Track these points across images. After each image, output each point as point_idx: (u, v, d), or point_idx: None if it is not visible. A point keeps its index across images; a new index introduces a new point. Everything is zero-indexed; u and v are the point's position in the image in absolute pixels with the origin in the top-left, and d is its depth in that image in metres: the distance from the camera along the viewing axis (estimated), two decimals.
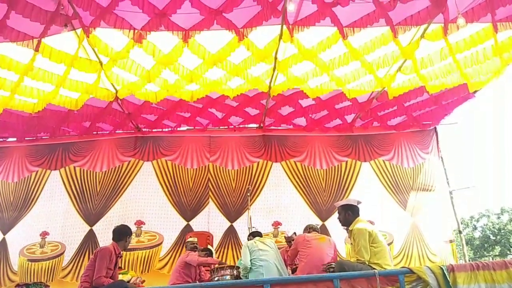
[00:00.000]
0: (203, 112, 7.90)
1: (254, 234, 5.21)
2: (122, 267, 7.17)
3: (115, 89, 6.85)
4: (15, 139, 8.50)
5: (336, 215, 4.95)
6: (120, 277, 5.27)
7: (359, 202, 4.43)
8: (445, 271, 3.64)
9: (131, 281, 5.32)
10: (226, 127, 8.73)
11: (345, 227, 4.43)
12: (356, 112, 8.16)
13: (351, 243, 4.23)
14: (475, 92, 7.19)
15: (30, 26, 5.05)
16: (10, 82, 6.04)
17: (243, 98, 7.35)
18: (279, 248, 6.63)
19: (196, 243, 5.88)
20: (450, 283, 3.58)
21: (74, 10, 5.02)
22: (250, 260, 4.57)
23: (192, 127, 8.66)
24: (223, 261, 7.59)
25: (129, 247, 7.38)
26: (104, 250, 4.36)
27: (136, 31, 5.39)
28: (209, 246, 6.58)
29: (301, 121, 8.57)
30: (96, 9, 4.99)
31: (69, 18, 5.11)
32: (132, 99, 7.25)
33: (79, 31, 5.41)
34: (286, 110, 8.16)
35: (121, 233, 4.59)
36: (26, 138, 8.45)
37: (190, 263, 5.38)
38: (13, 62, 5.64)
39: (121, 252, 4.58)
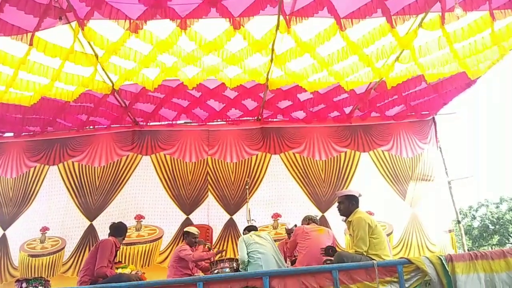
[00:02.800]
0: (200, 102, 7.83)
1: (250, 229, 5.22)
2: (122, 261, 7.20)
3: (111, 81, 6.80)
4: (12, 134, 8.46)
5: (335, 206, 4.95)
6: (120, 271, 5.30)
7: (360, 195, 4.44)
8: (443, 261, 3.65)
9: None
10: (224, 121, 8.68)
11: (344, 218, 4.44)
12: (355, 103, 8.12)
13: (350, 234, 4.24)
14: (475, 79, 7.12)
15: (23, 19, 4.99)
16: (6, 76, 5.98)
17: (241, 89, 7.30)
18: (278, 240, 6.68)
19: (197, 236, 5.66)
20: (449, 273, 3.59)
21: (68, 3, 4.96)
22: (248, 253, 4.58)
23: (190, 120, 8.62)
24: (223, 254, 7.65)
25: (129, 242, 7.55)
26: (106, 242, 4.42)
27: (132, 21, 5.33)
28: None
29: (299, 114, 8.54)
30: (91, 0, 4.93)
31: (63, 11, 5.05)
32: (129, 87, 7.17)
33: (74, 24, 5.35)
34: (284, 104, 8.11)
35: (121, 230, 4.70)
36: (23, 134, 8.40)
37: (185, 258, 5.28)
38: (7, 56, 5.58)
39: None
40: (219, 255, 5.91)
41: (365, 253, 3.89)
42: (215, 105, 8.09)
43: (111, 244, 4.42)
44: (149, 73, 6.70)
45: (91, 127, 8.52)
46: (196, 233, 5.63)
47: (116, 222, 4.90)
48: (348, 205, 4.34)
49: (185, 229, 5.79)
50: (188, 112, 8.23)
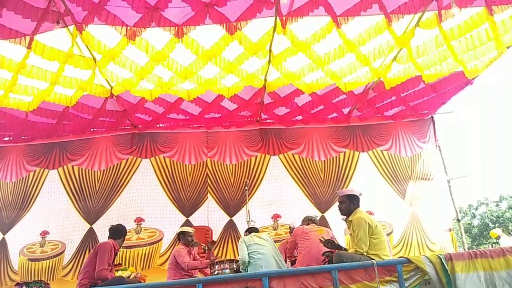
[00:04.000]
0: (199, 117, 7.92)
1: (251, 230, 5.22)
2: (122, 264, 7.20)
3: (110, 85, 6.81)
4: (11, 138, 8.45)
5: (335, 206, 4.96)
6: (120, 273, 5.30)
7: (360, 194, 4.46)
8: (443, 260, 3.65)
9: (130, 277, 5.34)
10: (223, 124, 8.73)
11: (345, 217, 4.45)
12: (353, 104, 8.12)
13: (351, 234, 4.24)
14: (473, 78, 7.13)
15: (21, 23, 5.00)
16: (4, 80, 5.98)
17: (239, 100, 7.33)
18: (278, 241, 6.68)
19: (193, 235, 5.54)
20: (449, 272, 3.59)
21: (66, 7, 4.97)
22: (248, 254, 4.59)
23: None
24: (223, 255, 7.64)
25: (129, 244, 7.54)
26: (105, 245, 4.44)
27: (128, 27, 5.34)
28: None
29: (298, 117, 8.56)
30: (88, 5, 4.94)
31: (61, 15, 5.07)
32: (128, 96, 7.20)
33: (72, 28, 5.36)
34: (282, 110, 8.15)
35: (120, 232, 4.70)
36: (22, 137, 8.39)
37: (181, 264, 5.19)
38: (5, 60, 5.58)
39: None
40: (217, 257, 5.87)
41: (365, 253, 3.89)
42: (215, 115, 8.17)
43: (110, 247, 4.43)
44: (147, 85, 6.74)
45: (91, 130, 8.51)
46: (192, 231, 5.57)
47: (114, 224, 4.90)
48: (349, 204, 4.35)
49: (179, 230, 5.72)
50: (187, 121, 8.32)
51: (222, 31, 5.54)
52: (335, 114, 8.53)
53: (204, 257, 5.71)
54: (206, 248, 5.74)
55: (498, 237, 8.64)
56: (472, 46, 5.92)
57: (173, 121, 8.11)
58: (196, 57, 5.95)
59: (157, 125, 8.47)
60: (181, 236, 5.55)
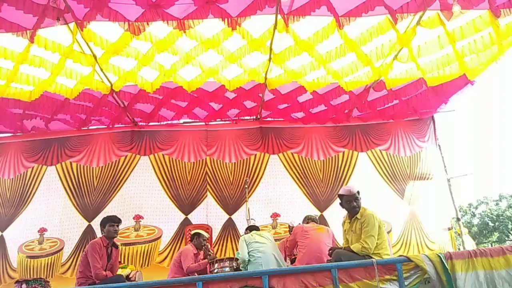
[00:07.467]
0: (200, 102, 7.82)
1: (251, 229, 5.22)
2: (122, 261, 7.18)
3: (110, 82, 6.78)
4: (10, 134, 8.40)
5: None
6: (120, 271, 5.29)
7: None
8: (443, 259, 3.64)
9: (130, 275, 5.33)
10: (223, 121, 8.68)
11: (345, 215, 4.45)
12: (354, 105, 8.10)
13: (352, 230, 4.20)
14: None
15: (23, 18, 4.97)
16: (6, 70, 5.96)
17: (240, 91, 7.29)
18: (278, 240, 6.69)
19: (206, 240, 5.61)
20: (449, 271, 3.59)
21: (66, 4, 4.95)
22: (248, 252, 4.59)
23: (189, 120, 8.60)
24: (222, 253, 7.64)
25: (128, 242, 7.51)
26: (91, 244, 4.51)
27: (130, 23, 5.32)
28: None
29: (298, 114, 8.53)
30: (89, 2, 4.92)
31: (61, 12, 5.04)
32: (128, 88, 7.15)
33: (72, 25, 5.33)
34: (282, 105, 8.11)
35: (100, 225, 4.68)
36: (21, 134, 8.35)
37: (182, 264, 5.21)
38: (8, 51, 5.56)
39: (116, 244, 4.63)
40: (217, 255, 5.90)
41: (370, 251, 3.86)
42: (214, 105, 8.09)
43: (97, 245, 4.44)
44: (148, 76, 6.69)
45: (90, 127, 8.46)
46: (207, 236, 5.65)
47: None
48: (360, 200, 4.32)
49: (195, 231, 5.76)
50: (187, 112, 8.22)
51: (223, 26, 5.50)
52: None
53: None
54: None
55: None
56: (476, 51, 5.91)
57: (174, 107, 7.98)
58: (198, 43, 5.91)
59: (158, 116, 8.35)
60: (196, 237, 5.59)
